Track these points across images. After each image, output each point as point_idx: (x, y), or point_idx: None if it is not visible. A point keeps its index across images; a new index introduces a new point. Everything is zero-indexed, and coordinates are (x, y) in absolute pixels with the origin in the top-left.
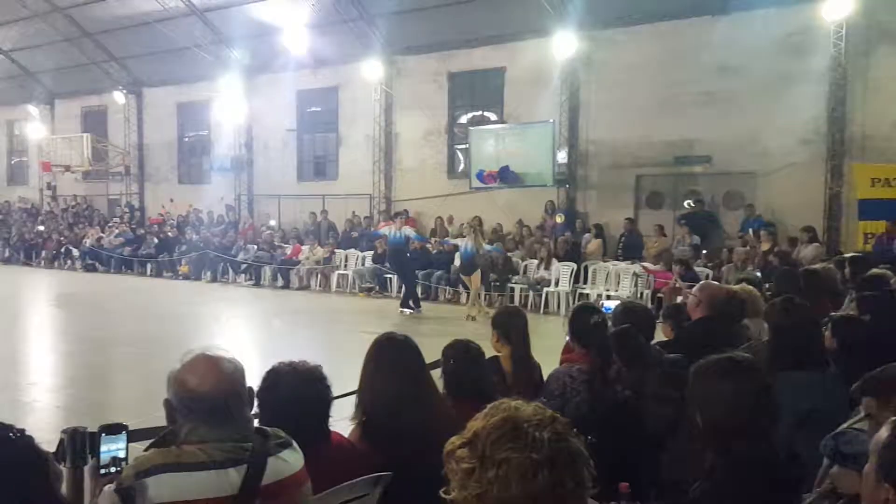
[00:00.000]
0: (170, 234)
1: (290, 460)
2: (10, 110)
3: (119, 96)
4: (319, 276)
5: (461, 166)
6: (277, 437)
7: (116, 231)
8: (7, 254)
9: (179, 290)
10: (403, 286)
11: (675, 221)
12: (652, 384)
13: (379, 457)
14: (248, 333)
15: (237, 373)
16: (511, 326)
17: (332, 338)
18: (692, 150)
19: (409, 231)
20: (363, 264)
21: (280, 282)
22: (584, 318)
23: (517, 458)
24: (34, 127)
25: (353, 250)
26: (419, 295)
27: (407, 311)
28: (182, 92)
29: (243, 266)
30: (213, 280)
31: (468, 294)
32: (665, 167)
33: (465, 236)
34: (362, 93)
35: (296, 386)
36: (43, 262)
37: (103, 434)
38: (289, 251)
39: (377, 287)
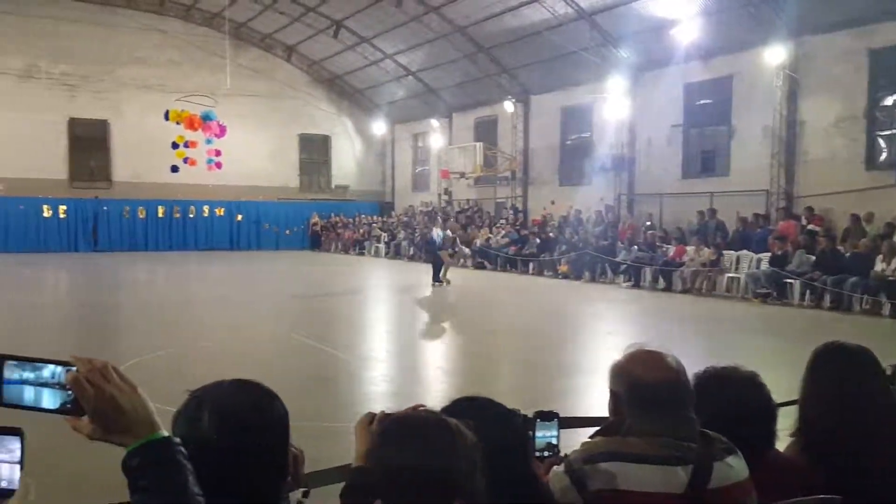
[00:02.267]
0: (550, 234)
1: (736, 467)
2: (415, 125)
3: (508, 105)
4: (705, 279)
5: (884, 155)
6: (721, 441)
7: (503, 232)
8: (412, 252)
9: (559, 289)
10: None
11: None
12: None
13: (820, 475)
14: (637, 336)
15: (681, 369)
16: None
17: (734, 346)
18: None
19: None
20: (758, 267)
21: (661, 284)
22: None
23: None
24: (435, 139)
25: (745, 252)
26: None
27: None
28: (566, 96)
29: (622, 266)
30: (592, 280)
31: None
32: None
33: None
34: (760, 80)
35: (736, 390)
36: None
37: (538, 420)
38: (671, 252)
39: (774, 293)
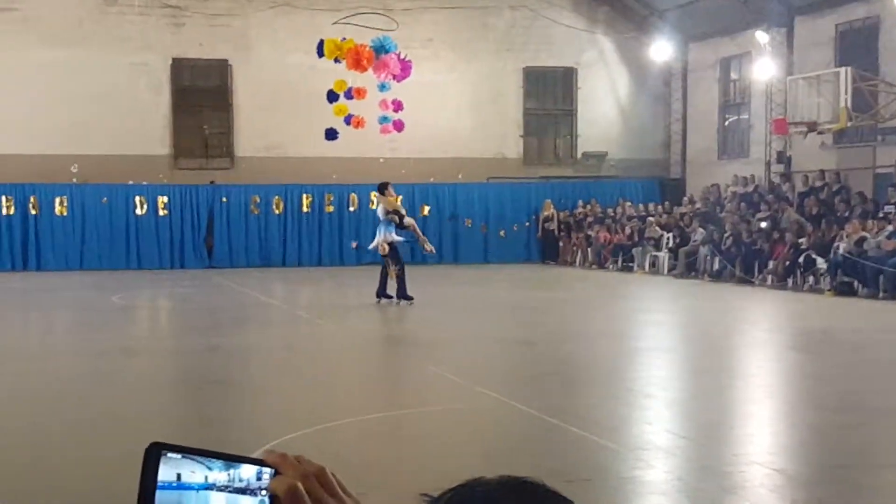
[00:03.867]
0: None
1: None
2: (724, 43)
3: None
4: None
5: None
6: None
7: (891, 228)
8: (717, 265)
9: None
10: None
11: None
12: None
13: None
14: None
15: None
16: None
17: None
18: None
19: None
20: None
21: None
22: None
23: None
24: (761, 66)
25: None
26: None
27: None
28: None
29: None
30: None
31: None
32: None
33: None
34: None
35: None
36: (770, 279)
37: None
38: None
39: None
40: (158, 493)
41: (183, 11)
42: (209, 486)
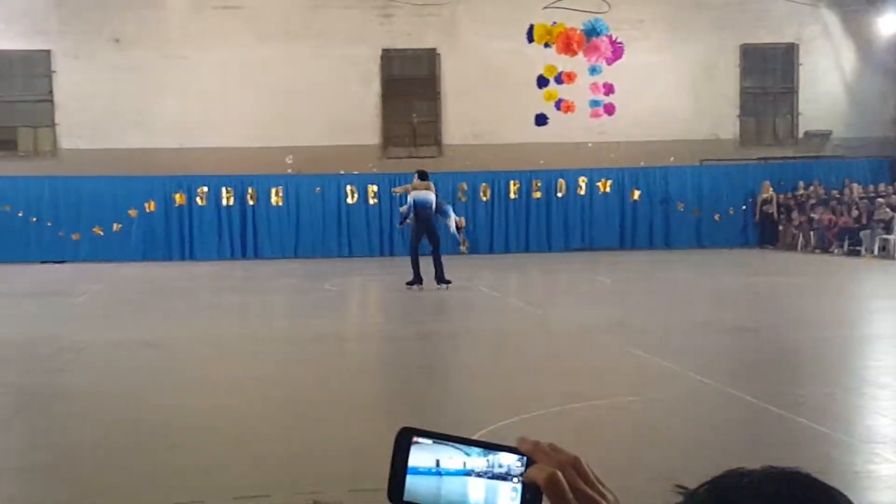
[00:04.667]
0: None
1: None
2: None
3: None
4: None
5: None
6: None
7: None
8: None
9: None
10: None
11: None
12: None
13: None
14: None
15: None
16: None
17: None
18: None
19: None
20: None
21: None
22: None
23: None
24: None
25: None
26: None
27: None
28: None
29: None
30: None
31: None
32: None
33: None
34: None
35: None
36: None
37: None
38: None
39: None
40: (418, 478)
41: (392, 3)
42: (468, 473)
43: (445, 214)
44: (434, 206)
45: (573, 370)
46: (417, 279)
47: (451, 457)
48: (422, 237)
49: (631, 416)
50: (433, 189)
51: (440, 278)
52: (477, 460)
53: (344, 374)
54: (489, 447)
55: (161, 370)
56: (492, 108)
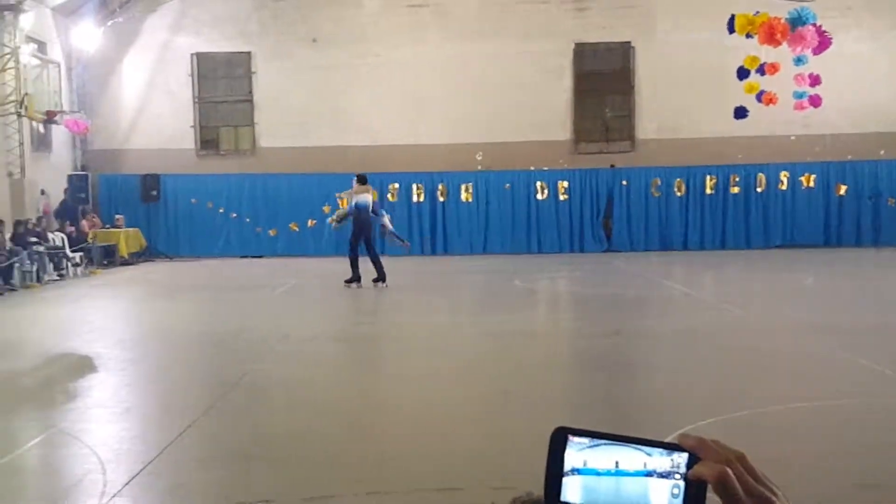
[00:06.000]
0: None
1: None
2: None
3: None
4: None
5: None
6: None
7: None
8: None
9: None
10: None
11: None
12: None
13: None
14: None
15: None
16: None
17: None
18: None
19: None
20: None
21: None
22: None
23: None
24: None
25: None
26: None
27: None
28: None
29: None
30: None
31: None
32: None
33: None
34: None
35: None
36: None
37: None
38: None
39: None
40: (595, 479)
41: None
42: (649, 473)
43: (380, 215)
44: (371, 207)
45: (775, 370)
46: (356, 277)
47: (631, 456)
48: (360, 238)
49: (838, 420)
50: (371, 192)
51: (381, 278)
52: (659, 460)
53: (534, 370)
54: (649, 444)
55: (355, 362)
56: (688, 102)
